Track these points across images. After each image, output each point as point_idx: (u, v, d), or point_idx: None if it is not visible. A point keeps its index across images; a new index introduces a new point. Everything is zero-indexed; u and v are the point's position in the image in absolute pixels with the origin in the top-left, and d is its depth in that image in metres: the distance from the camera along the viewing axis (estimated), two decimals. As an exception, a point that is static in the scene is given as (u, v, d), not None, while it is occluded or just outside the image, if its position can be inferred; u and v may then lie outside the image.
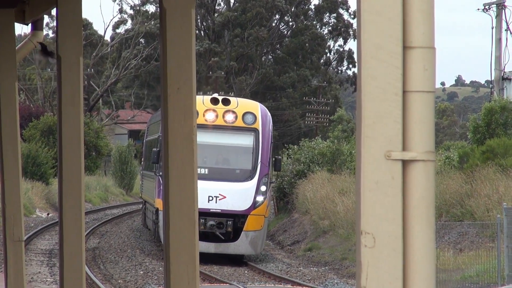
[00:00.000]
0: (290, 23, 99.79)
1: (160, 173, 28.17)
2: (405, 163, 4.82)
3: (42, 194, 66.64)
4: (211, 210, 27.85)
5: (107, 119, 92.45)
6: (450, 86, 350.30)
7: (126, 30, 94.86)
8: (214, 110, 30.16)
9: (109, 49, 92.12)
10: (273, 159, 31.47)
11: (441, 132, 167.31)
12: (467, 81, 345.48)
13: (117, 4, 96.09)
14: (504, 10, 52.99)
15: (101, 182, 79.18)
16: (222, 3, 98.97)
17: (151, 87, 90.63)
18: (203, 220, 27.11)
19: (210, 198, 27.76)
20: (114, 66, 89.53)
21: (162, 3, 8.04)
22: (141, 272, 34.01)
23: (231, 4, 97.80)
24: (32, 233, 46.05)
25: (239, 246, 28.39)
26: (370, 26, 4.76)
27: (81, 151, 10.88)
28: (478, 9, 53.87)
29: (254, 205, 28.79)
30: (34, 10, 14.65)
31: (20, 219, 13.88)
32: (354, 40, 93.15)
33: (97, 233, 50.62)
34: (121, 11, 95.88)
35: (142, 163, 56.47)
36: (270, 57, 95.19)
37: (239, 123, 30.28)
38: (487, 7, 52.94)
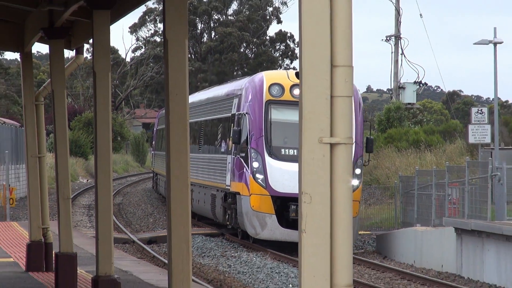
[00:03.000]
0: (253, 49, 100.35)
1: (242, 154, 19.92)
2: (332, 146, 4.82)
3: (83, 166, 68.60)
4: None
5: (127, 115, 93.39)
6: (363, 92, 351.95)
7: (141, 54, 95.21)
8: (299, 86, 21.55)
9: (129, 67, 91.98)
10: (365, 139, 22.49)
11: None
12: (375, 89, 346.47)
13: (134, 36, 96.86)
14: (400, 40, 54.50)
15: (123, 158, 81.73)
16: (206, 36, 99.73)
17: (158, 93, 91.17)
18: (295, 207, 18.60)
19: None
20: (132, 78, 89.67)
21: (165, 35, 8.03)
22: (151, 220, 33.84)
23: (212, 37, 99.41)
24: (76, 193, 46.06)
25: None
26: (308, 52, 4.68)
27: (110, 137, 11.05)
28: (382, 40, 55.10)
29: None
30: (77, 40, 14.63)
31: (68, 183, 13.81)
32: (297, 61, 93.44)
33: (121, 193, 51.01)
34: (137, 39, 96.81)
35: (153, 145, 50.94)
36: (240, 72, 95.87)
37: None
38: (388, 38, 54.68)
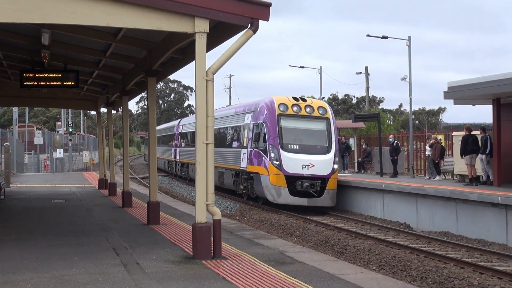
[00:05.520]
0: (179, 110, 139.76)
1: (261, 148, 28.69)
2: (207, 144, 11.34)
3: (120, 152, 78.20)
4: (304, 174, 27.56)
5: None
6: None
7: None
8: (297, 105, 29.19)
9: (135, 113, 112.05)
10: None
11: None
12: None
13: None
14: (368, 76, 60.54)
15: (132, 149, 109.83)
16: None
17: (145, 125, 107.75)
18: (300, 182, 27.29)
19: (304, 166, 27.50)
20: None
21: (148, 105, 15.02)
22: (142, 171, 55.69)
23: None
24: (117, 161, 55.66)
25: (323, 200, 27.85)
26: (199, 110, 11.30)
27: (127, 141, 18.34)
28: (357, 73, 60.54)
29: (333, 171, 28.12)
30: (135, 95, 22.32)
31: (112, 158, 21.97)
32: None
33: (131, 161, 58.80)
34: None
35: (144, 142, 70.72)
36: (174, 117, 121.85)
37: (316, 114, 29.19)
38: (361, 72, 60.38)
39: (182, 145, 48.07)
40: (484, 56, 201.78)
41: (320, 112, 29.17)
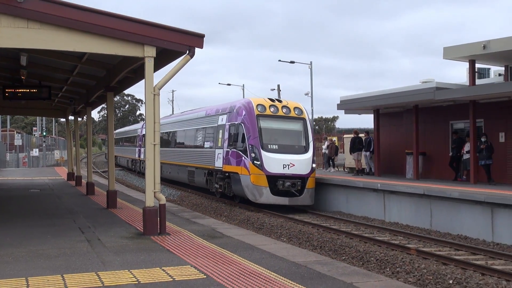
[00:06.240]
0: (132, 118, 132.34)
1: (239, 148, 23.22)
2: (154, 145, 11.33)
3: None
4: (285, 174, 22.33)
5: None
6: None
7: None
8: (275, 106, 23.69)
9: (97, 120, 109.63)
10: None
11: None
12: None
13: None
14: (279, 91, 60.27)
15: (95, 149, 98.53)
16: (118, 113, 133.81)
17: (105, 129, 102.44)
18: (282, 182, 22.20)
19: (284, 166, 22.38)
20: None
21: (107, 115, 14.84)
22: (104, 166, 41.04)
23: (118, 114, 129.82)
24: (81, 158, 53.14)
25: (304, 199, 22.56)
26: (148, 117, 11.26)
27: (91, 142, 17.88)
28: (271, 89, 60.46)
29: (312, 170, 22.83)
30: (97, 105, 22.52)
31: (78, 156, 21.19)
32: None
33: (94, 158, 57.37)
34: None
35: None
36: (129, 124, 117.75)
37: (292, 114, 23.74)
38: (274, 88, 60.16)
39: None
40: (366, 77, 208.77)
41: (296, 112, 23.90)
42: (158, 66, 12.63)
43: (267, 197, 22.23)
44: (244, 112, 23.57)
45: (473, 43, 22.14)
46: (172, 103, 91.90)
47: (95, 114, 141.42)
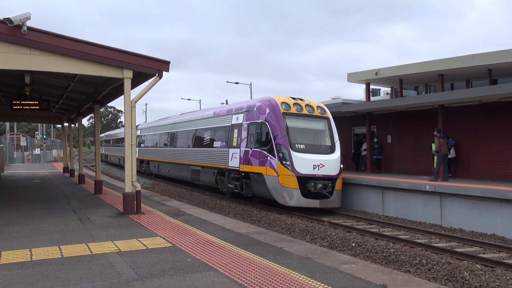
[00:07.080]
0: (117, 126, 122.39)
1: (264, 148, 16.94)
2: (131, 145, 10.85)
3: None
4: (316, 175, 16.41)
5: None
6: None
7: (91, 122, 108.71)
8: (298, 104, 17.52)
9: (87, 126, 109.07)
10: None
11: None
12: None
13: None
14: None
15: (86, 148, 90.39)
16: (104, 121, 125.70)
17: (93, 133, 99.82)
18: (313, 183, 16.10)
19: (315, 166, 16.41)
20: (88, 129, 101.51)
21: (95, 124, 14.33)
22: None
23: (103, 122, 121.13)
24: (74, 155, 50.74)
25: (334, 201, 16.58)
26: (127, 124, 10.96)
27: (82, 143, 17.13)
28: (221, 103, 59.41)
29: (340, 171, 16.85)
30: (86, 115, 21.40)
31: (71, 154, 20.03)
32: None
33: (84, 156, 54.98)
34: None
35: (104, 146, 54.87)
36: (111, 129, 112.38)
37: (316, 113, 17.73)
38: (223, 103, 59.05)
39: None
40: (291, 95, 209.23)
41: (319, 111, 17.85)
42: (134, 85, 12.32)
43: (297, 199, 16.14)
44: (267, 110, 17.43)
45: (368, 71, 22.68)
46: (146, 113, 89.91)
47: (85, 121, 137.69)
